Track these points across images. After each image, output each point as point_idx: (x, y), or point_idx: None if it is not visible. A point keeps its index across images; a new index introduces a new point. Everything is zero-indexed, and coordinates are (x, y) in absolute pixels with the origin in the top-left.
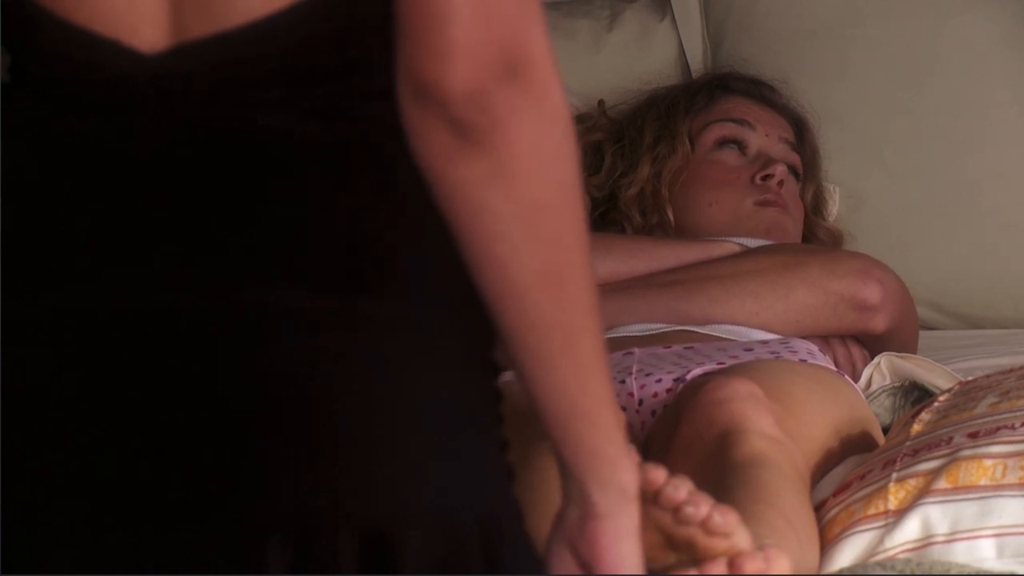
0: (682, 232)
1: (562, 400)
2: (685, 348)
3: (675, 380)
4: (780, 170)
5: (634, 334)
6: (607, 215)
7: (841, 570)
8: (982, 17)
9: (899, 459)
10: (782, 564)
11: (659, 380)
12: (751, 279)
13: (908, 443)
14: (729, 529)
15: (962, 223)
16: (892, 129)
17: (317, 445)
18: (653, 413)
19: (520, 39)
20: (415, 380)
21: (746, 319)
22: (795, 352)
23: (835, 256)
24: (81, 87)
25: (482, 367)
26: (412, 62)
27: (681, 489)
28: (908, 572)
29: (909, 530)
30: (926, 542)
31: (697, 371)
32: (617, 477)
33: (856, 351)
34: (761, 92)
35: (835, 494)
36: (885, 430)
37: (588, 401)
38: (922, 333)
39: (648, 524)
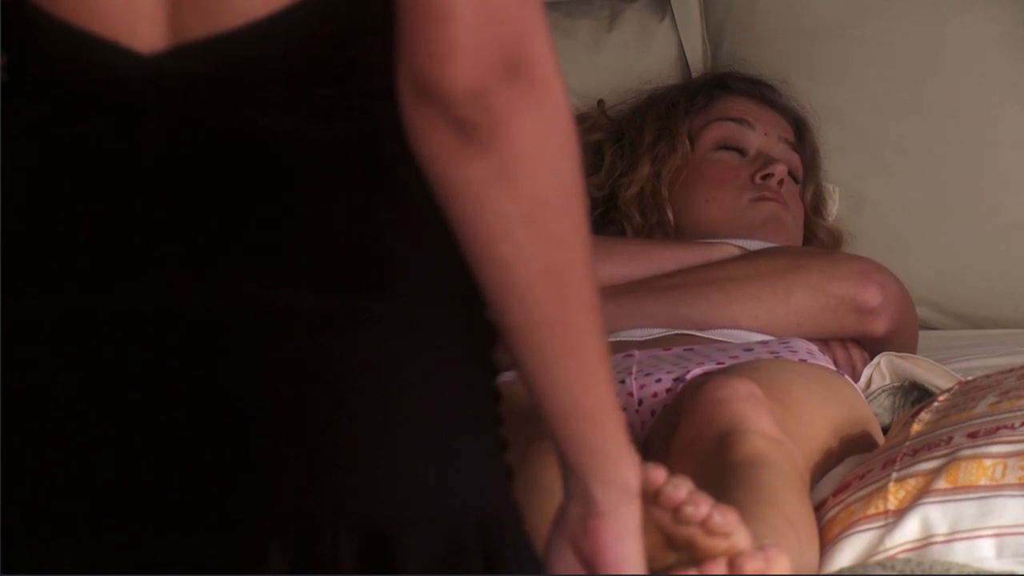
0: (681, 231)
1: (565, 399)
2: (685, 349)
3: (675, 380)
4: (780, 169)
5: (634, 339)
6: (607, 215)
7: (841, 570)
8: (982, 17)
9: (899, 459)
10: (782, 564)
11: (659, 380)
12: (751, 283)
13: (908, 443)
14: (729, 529)
15: (962, 223)
16: (892, 129)
17: (318, 445)
18: (653, 413)
19: (522, 39)
20: (416, 380)
21: (746, 323)
22: (795, 352)
23: (835, 259)
24: (81, 88)
25: (482, 367)
26: (414, 61)
27: (681, 489)
28: (908, 572)
29: (909, 530)
30: (926, 542)
31: (697, 371)
32: (620, 475)
33: (856, 351)
34: (761, 92)
35: (835, 494)
36: (885, 430)
37: (591, 400)
38: (922, 333)
39: (648, 524)
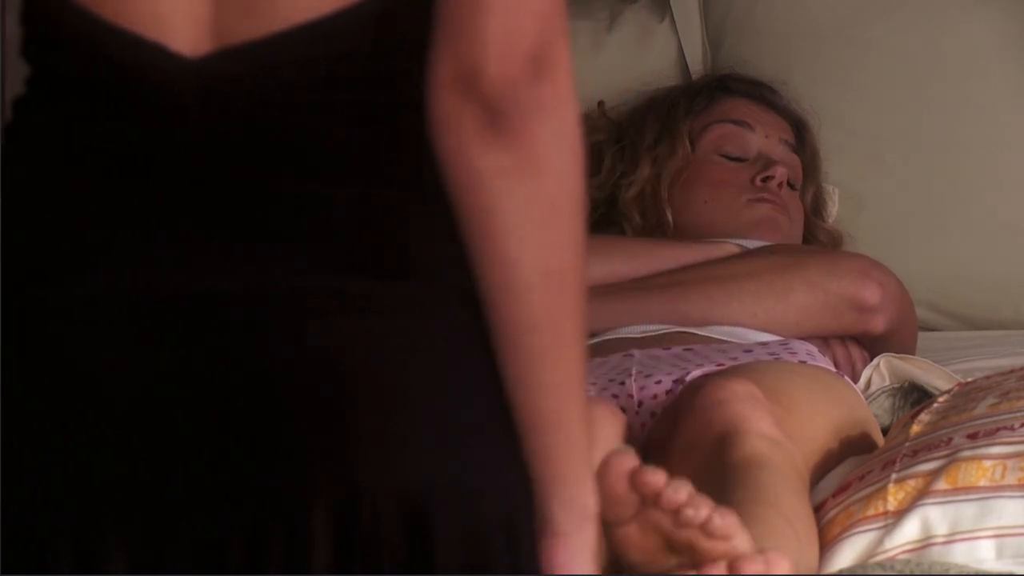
0: (681, 232)
1: (544, 404)
2: (684, 350)
3: (674, 382)
4: (780, 172)
5: (633, 335)
6: (607, 216)
7: (841, 571)
8: (983, 19)
9: (898, 460)
10: (782, 566)
11: (658, 382)
12: (750, 280)
13: (907, 444)
14: (729, 532)
15: (962, 224)
16: (892, 130)
17: (351, 420)
18: (652, 415)
19: (549, 39)
20: (444, 364)
21: (745, 320)
22: (794, 353)
23: (834, 257)
24: (120, 89)
25: None
26: (453, 50)
27: (681, 491)
28: (907, 573)
29: (908, 531)
30: (925, 543)
31: (696, 372)
32: (581, 496)
33: (856, 352)
34: (761, 93)
35: (834, 495)
36: (884, 431)
37: (568, 410)
38: (922, 334)
39: (648, 527)
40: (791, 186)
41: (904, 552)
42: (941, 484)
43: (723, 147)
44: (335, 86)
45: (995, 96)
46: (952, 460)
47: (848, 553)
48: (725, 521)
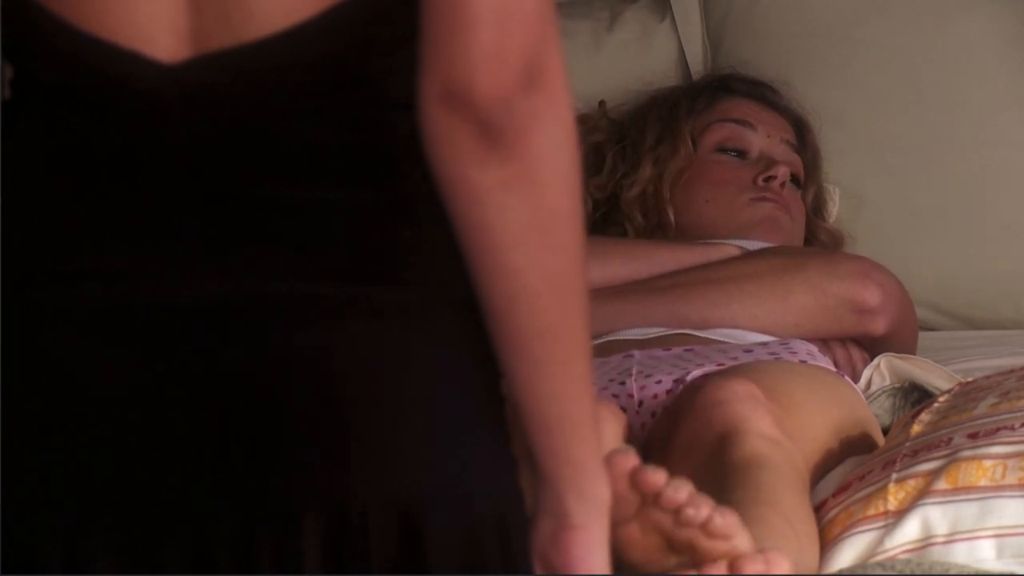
0: (683, 232)
1: (555, 409)
2: (685, 350)
3: (675, 381)
4: (782, 171)
5: (633, 338)
6: (608, 216)
7: (841, 571)
8: (982, 18)
9: (899, 460)
10: (782, 566)
11: (659, 382)
12: (750, 282)
13: (908, 444)
14: (730, 531)
15: (962, 224)
16: (892, 130)
17: (342, 428)
18: (653, 415)
19: (540, 48)
20: (431, 368)
21: (745, 322)
22: (795, 353)
23: (834, 259)
24: (102, 97)
25: (491, 362)
26: (442, 67)
27: (681, 491)
28: (908, 573)
29: (909, 531)
30: (926, 543)
31: (697, 372)
32: (595, 489)
33: (856, 352)
34: (762, 93)
35: (835, 495)
36: (885, 431)
37: (579, 410)
38: (922, 334)
39: (648, 526)
40: (795, 181)
41: (904, 552)
42: (941, 484)
43: (725, 147)
44: (314, 91)
45: (995, 96)
46: (952, 460)
47: (848, 553)
48: (725, 520)
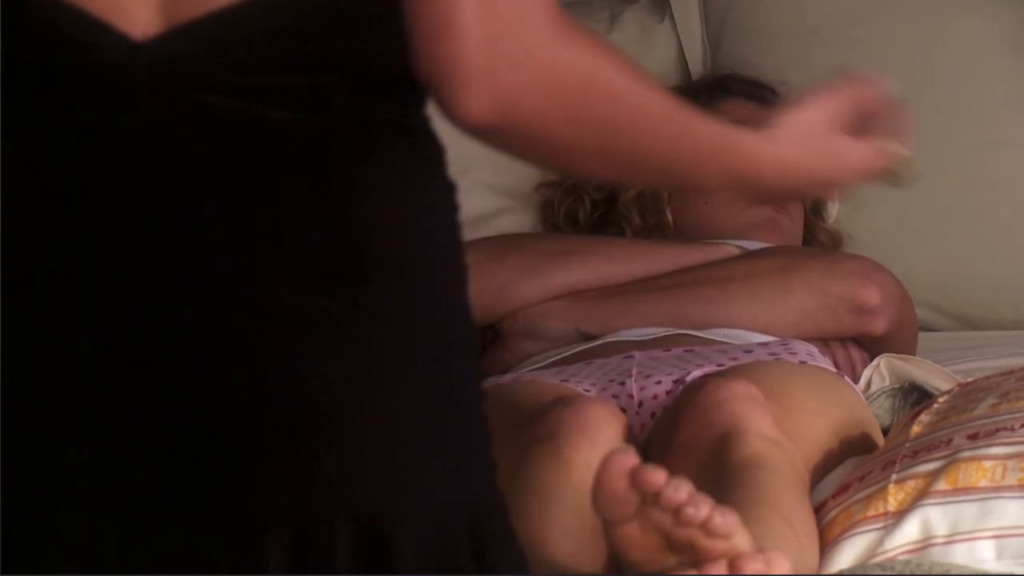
0: (681, 232)
1: (702, 158)
2: (684, 351)
3: (675, 382)
4: None
5: (633, 339)
6: (606, 216)
7: (841, 571)
8: (982, 18)
9: (899, 460)
10: (782, 566)
11: (659, 382)
12: (750, 282)
13: (908, 444)
14: (729, 531)
15: (962, 224)
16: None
17: (310, 439)
18: (653, 415)
19: (522, 45)
20: (407, 375)
21: (745, 322)
22: (795, 354)
23: (834, 259)
24: (74, 73)
25: (467, 365)
26: (434, 93)
27: (681, 490)
28: (908, 573)
29: (908, 531)
30: (925, 543)
31: (696, 373)
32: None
33: (856, 353)
34: (762, 94)
35: (835, 495)
36: (885, 431)
37: (731, 136)
38: (921, 334)
39: (648, 525)
40: None
41: (904, 553)
42: (941, 485)
43: None
44: (284, 67)
45: (995, 96)
46: (952, 460)
47: (848, 553)
48: (725, 520)
